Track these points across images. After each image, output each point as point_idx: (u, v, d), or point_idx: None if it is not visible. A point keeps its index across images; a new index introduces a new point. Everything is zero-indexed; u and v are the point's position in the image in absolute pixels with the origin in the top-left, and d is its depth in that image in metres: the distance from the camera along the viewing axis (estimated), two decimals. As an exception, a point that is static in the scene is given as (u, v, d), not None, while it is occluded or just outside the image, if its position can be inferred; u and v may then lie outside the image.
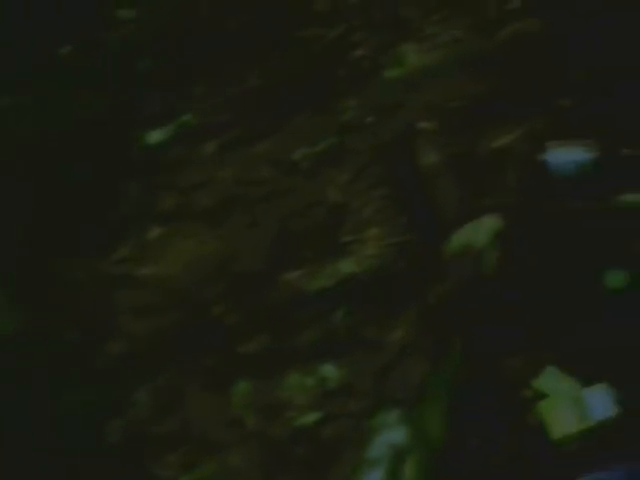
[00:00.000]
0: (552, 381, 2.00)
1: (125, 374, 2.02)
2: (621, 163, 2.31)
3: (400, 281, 2.28)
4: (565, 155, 2.36)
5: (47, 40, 3.48)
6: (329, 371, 2.07)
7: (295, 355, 2.15)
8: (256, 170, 2.81)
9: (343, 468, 1.80)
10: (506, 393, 2.01)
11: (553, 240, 2.25)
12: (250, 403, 1.93)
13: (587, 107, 2.57)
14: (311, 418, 1.93)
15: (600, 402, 1.92)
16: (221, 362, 2.12)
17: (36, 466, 1.87)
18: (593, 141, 2.38)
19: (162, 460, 1.87)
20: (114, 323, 2.16)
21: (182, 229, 2.60)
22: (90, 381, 1.98)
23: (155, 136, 2.96)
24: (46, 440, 1.93)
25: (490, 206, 2.35)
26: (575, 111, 2.55)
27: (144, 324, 2.19)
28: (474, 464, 1.82)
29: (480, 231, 2.26)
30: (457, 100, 2.87)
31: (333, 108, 3.07)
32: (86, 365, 2.11)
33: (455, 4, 3.48)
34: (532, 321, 2.14)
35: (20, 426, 1.96)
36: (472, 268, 2.20)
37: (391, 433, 1.75)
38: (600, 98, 2.54)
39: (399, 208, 2.52)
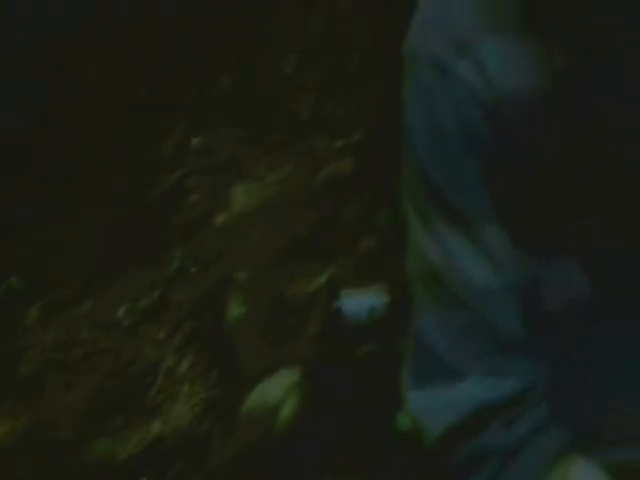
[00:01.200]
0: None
1: None
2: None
3: (203, 440, 2.40)
4: (359, 301, 2.52)
5: None
6: None
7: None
8: (78, 332, 2.92)
9: None
10: None
11: (349, 387, 2.39)
12: None
13: (386, 249, 2.75)
14: None
15: None
16: None
17: None
18: (387, 284, 2.55)
19: None
20: None
21: (-4, 402, 2.69)
22: None
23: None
24: None
25: (290, 357, 2.49)
26: (372, 253, 2.73)
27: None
28: None
29: (277, 384, 2.40)
30: (276, 243, 3.04)
31: (161, 259, 3.22)
32: None
33: (288, 142, 3.70)
34: (329, 469, 2.26)
35: None
36: (267, 423, 2.32)
37: None
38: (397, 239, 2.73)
39: (210, 363, 2.64)
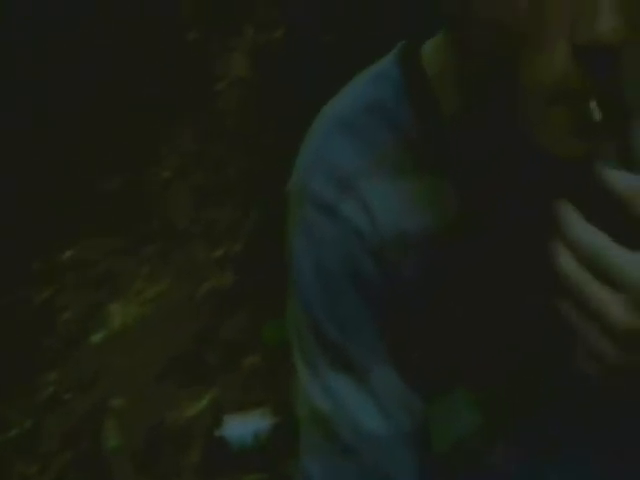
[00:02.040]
0: None
1: None
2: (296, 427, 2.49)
3: None
4: (243, 425, 2.52)
5: None
6: None
7: None
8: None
9: None
10: None
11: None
12: None
13: (272, 367, 2.77)
14: None
15: None
16: None
17: None
18: (273, 405, 2.56)
19: None
20: None
21: None
22: None
23: None
24: None
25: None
26: (258, 371, 2.74)
27: None
28: None
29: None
30: (155, 363, 3.02)
31: (32, 385, 3.15)
32: None
33: (166, 252, 3.70)
34: None
35: None
36: None
37: None
38: (283, 356, 2.75)
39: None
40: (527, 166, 0.78)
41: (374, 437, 0.84)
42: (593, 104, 0.67)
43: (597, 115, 0.67)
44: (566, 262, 0.68)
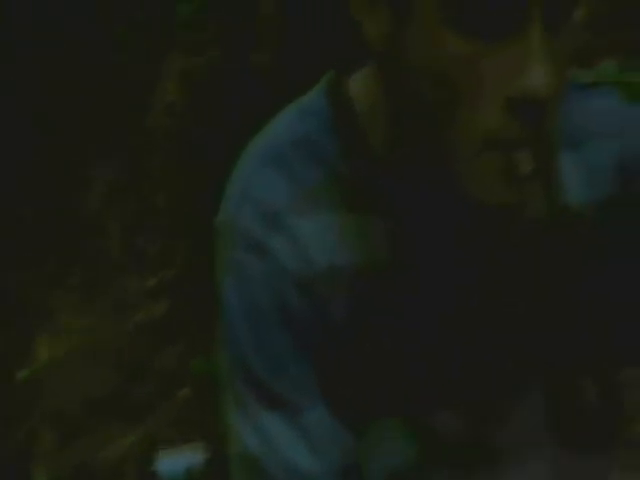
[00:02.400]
0: None
1: None
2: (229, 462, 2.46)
3: None
4: (176, 460, 2.49)
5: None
6: None
7: None
8: None
9: None
10: None
11: None
12: None
13: (205, 399, 2.75)
14: None
15: None
16: None
17: None
18: (203, 444, 2.54)
19: None
20: None
21: None
22: None
23: None
24: None
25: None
26: (190, 404, 2.72)
27: None
28: None
29: None
30: (85, 398, 2.98)
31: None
32: None
33: (96, 283, 3.66)
34: None
35: None
36: None
37: None
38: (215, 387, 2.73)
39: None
40: (457, 202, 0.79)
41: (306, 476, 0.84)
42: (524, 154, 0.69)
43: (528, 164, 0.69)
44: None
